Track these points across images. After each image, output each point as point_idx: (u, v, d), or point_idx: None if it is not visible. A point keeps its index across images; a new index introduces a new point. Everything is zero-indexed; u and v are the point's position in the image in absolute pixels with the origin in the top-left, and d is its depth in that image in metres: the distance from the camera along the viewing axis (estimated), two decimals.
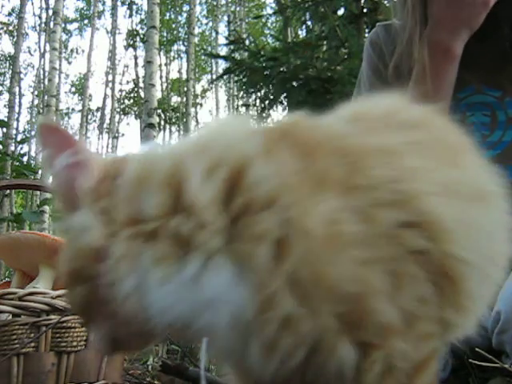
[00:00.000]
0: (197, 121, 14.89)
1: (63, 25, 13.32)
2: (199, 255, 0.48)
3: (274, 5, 6.96)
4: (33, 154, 13.28)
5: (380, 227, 0.49)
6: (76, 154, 0.54)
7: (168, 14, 15.30)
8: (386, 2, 3.67)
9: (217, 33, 14.54)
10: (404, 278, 0.50)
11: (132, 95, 16.72)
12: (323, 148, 0.52)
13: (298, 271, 0.47)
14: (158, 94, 11.44)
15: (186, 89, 12.44)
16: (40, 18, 15.11)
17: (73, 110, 18.03)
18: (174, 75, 18.01)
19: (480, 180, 0.61)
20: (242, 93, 8.24)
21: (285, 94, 3.74)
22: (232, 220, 0.48)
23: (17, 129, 13.55)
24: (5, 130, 9.02)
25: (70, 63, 17.65)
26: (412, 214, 0.51)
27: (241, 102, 11.75)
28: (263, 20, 12.39)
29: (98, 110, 17.29)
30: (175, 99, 16.48)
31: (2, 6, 16.70)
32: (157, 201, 0.50)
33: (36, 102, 15.16)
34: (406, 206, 0.51)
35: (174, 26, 15.49)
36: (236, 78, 3.97)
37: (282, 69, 3.60)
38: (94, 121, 17.55)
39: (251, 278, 0.47)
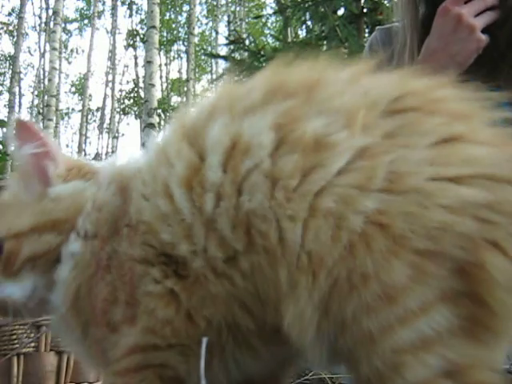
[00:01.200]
0: None
1: (63, 25, 13.32)
2: None
3: (274, 5, 6.96)
4: None
5: None
6: (44, 146, 0.72)
7: (168, 14, 15.29)
8: (385, 1, 3.67)
9: (217, 33, 14.54)
10: None
11: (132, 95, 16.70)
12: None
13: None
14: (158, 94, 11.42)
15: (185, 89, 12.45)
16: (40, 18, 15.14)
17: (73, 110, 18.05)
18: (174, 75, 17.97)
19: None
20: None
21: None
22: None
23: None
24: (5, 129, 9.03)
25: (70, 63, 17.66)
26: None
27: None
28: (263, 20, 12.37)
29: (98, 110, 17.29)
30: (175, 99, 16.48)
31: (2, 6, 16.71)
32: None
33: (36, 101, 15.18)
34: None
35: (174, 25, 15.48)
36: (236, 78, 3.97)
37: None
38: (94, 121, 17.55)
39: None
